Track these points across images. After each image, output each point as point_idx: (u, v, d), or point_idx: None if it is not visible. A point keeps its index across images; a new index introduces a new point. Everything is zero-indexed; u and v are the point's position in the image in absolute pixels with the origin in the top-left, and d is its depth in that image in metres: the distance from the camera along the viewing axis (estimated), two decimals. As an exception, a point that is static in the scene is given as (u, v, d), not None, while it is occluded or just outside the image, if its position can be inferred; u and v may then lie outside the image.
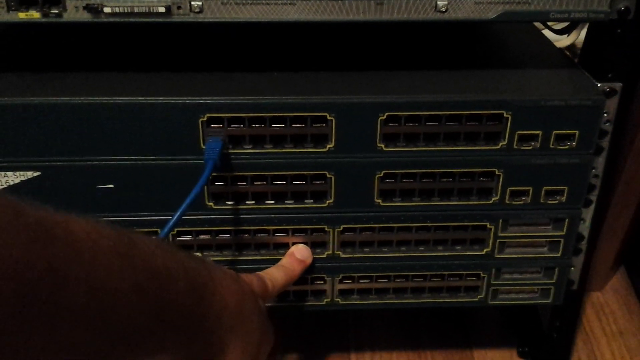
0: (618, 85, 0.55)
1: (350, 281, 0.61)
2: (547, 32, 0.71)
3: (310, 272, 0.60)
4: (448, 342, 0.78)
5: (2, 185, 0.54)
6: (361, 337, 0.78)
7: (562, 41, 0.84)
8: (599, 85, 0.55)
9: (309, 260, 0.59)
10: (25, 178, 0.54)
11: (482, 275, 0.61)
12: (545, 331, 0.70)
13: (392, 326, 0.80)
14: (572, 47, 0.91)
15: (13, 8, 0.50)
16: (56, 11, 0.50)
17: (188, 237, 0.58)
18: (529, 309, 0.76)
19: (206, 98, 0.52)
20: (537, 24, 0.73)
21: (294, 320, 0.80)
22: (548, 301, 0.63)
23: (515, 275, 0.62)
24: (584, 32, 0.61)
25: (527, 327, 0.76)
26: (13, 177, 0.54)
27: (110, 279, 0.33)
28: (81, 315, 0.31)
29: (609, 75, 0.55)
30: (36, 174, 0.54)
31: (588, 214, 0.60)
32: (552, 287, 0.62)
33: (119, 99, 0.52)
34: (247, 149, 0.54)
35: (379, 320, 0.80)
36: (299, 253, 0.58)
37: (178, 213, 0.51)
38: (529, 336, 0.75)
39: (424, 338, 0.78)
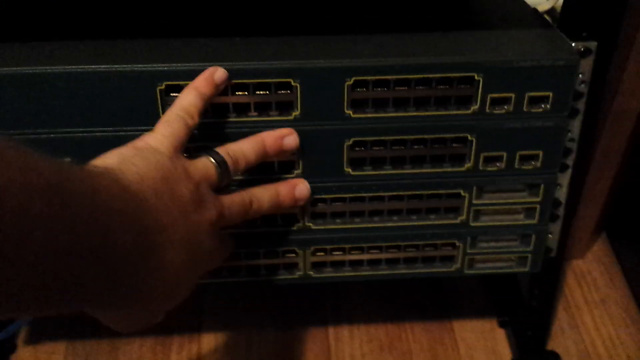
0: (593, 45, 0.54)
1: (322, 253, 0.59)
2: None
3: (281, 245, 0.58)
4: (427, 313, 0.77)
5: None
6: (339, 310, 0.77)
7: (543, 4, 0.82)
8: (573, 44, 0.54)
9: (302, 202, 0.55)
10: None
11: (457, 244, 0.60)
12: (525, 300, 0.69)
13: (370, 299, 0.78)
14: (552, 10, 0.89)
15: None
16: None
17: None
18: (508, 278, 0.75)
19: (163, 65, 0.50)
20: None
21: (269, 294, 0.79)
22: (526, 269, 0.62)
23: (492, 244, 0.60)
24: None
25: (506, 297, 0.75)
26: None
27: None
28: None
29: (584, 34, 0.54)
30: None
31: (565, 178, 0.59)
32: (530, 255, 0.61)
33: (74, 68, 0.50)
34: (209, 117, 0.52)
35: (356, 293, 0.79)
36: (299, 191, 0.54)
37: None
38: (509, 306, 0.74)
39: (403, 310, 0.77)
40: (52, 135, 0.52)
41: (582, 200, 0.76)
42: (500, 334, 0.74)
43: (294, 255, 0.59)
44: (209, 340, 0.74)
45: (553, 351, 0.71)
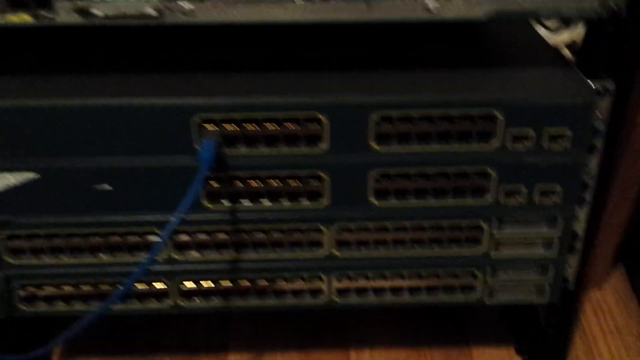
0: (611, 84, 0.56)
1: (347, 280, 0.62)
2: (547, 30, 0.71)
3: (307, 271, 0.61)
4: (447, 339, 0.78)
5: (3, 187, 0.55)
6: (361, 333, 0.79)
7: (562, 36, 0.85)
8: (591, 83, 0.56)
9: None
10: (25, 180, 0.55)
11: (477, 274, 0.62)
12: (542, 328, 0.70)
13: (392, 324, 0.80)
14: (573, 44, 0.91)
15: (2, 10, 0.50)
16: (48, 15, 0.51)
17: (186, 237, 0.59)
18: (526, 307, 0.76)
19: (199, 99, 0.53)
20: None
21: (294, 316, 0.81)
22: (544, 300, 0.63)
23: (511, 275, 0.62)
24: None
25: (524, 325, 0.76)
26: (12, 179, 0.55)
27: None
28: None
29: (602, 73, 0.56)
30: (35, 175, 0.55)
31: (583, 212, 0.60)
32: (548, 286, 0.63)
33: (114, 101, 0.53)
34: (241, 149, 0.55)
35: (378, 318, 0.81)
36: None
37: (179, 213, 0.52)
38: (526, 333, 0.76)
39: (423, 336, 0.79)
40: (94, 164, 0.55)
41: (599, 232, 0.77)
42: (518, 362, 0.76)
43: (319, 281, 0.62)
44: (236, 359, 0.76)
45: (570, 380, 0.73)
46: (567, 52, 0.89)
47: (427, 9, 0.51)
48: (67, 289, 0.61)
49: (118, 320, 0.77)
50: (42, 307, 0.62)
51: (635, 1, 0.53)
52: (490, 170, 0.56)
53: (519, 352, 0.76)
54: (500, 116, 0.54)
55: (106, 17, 0.50)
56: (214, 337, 0.79)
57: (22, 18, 0.51)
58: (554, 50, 0.64)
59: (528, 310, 0.76)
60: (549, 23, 0.82)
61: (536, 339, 0.73)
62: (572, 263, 0.63)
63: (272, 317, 0.81)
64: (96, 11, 0.50)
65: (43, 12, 0.50)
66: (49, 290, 0.61)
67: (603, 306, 0.83)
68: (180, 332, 0.80)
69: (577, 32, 0.90)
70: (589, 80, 0.56)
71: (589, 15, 0.53)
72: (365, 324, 0.80)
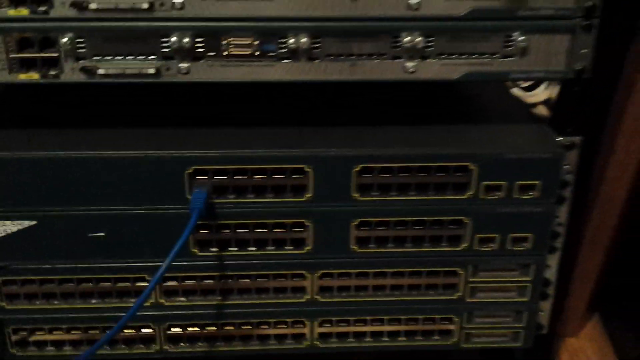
0: (577, 139, 0.60)
1: (329, 325, 0.64)
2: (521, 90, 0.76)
3: (290, 316, 0.63)
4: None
5: (1, 233, 0.57)
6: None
7: (539, 96, 0.90)
8: (559, 139, 0.60)
9: None
10: (22, 227, 0.58)
11: (454, 319, 0.64)
12: (519, 374, 0.73)
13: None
14: (548, 101, 0.96)
15: (14, 70, 0.54)
16: (54, 73, 0.54)
17: (174, 283, 0.61)
18: (504, 353, 0.79)
19: (192, 152, 0.56)
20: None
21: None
22: (518, 344, 0.66)
23: (487, 319, 0.65)
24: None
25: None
26: (11, 226, 0.57)
27: None
28: None
29: (569, 129, 0.60)
30: (33, 222, 0.58)
31: (554, 260, 0.64)
32: (522, 330, 0.65)
33: (110, 153, 0.56)
34: (230, 198, 0.58)
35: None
36: None
37: (168, 260, 0.54)
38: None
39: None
40: (89, 212, 0.57)
41: (573, 281, 0.80)
42: (497, 407, 0.78)
43: (301, 326, 0.64)
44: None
45: None
46: (543, 110, 0.93)
47: (406, 70, 0.55)
48: (58, 333, 0.63)
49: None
50: (33, 351, 0.63)
51: (601, 63, 0.57)
52: (465, 219, 0.60)
53: (497, 397, 0.78)
54: (474, 169, 0.58)
55: (107, 75, 0.54)
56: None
57: (30, 76, 0.54)
58: (526, 108, 0.68)
59: (506, 356, 0.79)
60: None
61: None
62: (546, 309, 0.66)
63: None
64: (100, 70, 0.54)
65: (50, 72, 0.54)
66: (40, 335, 0.63)
67: (580, 354, 0.85)
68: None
69: (555, 90, 0.95)
70: (557, 136, 0.60)
71: (556, 77, 0.58)
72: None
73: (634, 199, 0.77)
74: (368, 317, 0.64)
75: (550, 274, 0.64)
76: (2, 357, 0.63)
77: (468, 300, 0.64)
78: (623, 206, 0.76)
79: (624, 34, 0.59)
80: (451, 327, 0.65)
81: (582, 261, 0.79)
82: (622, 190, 0.75)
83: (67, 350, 0.63)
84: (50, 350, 0.63)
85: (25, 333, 0.62)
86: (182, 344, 0.64)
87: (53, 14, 0.52)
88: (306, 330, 0.64)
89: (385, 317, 0.64)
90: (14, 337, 0.62)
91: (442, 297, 0.63)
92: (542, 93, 0.95)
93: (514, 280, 0.63)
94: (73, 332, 0.63)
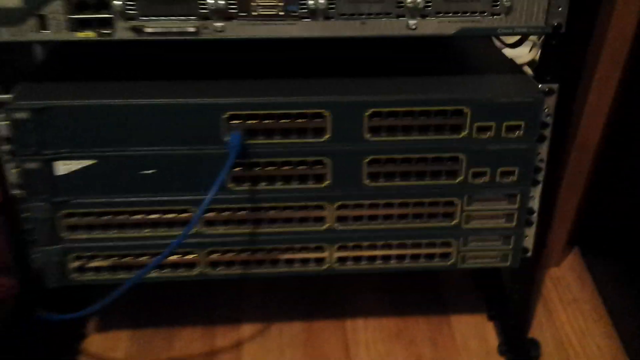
0: (555, 86, 0.70)
1: (345, 250, 0.75)
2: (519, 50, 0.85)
3: (312, 242, 0.73)
4: (429, 309, 0.92)
5: (65, 171, 0.67)
6: (355, 305, 0.92)
7: (524, 57, 0.99)
8: (539, 85, 0.70)
9: None
10: (84, 165, 0.68)
11: (452, 243, 0.75)
12: (508, 294, 0.84)
13: (382, 297, 0.93)
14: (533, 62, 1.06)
15: (73, 29, 0.63)
16: (107, 31, 0.64)
17: (213, 214, 0.71)
18: (495, 280, 0.89)
19: (227, 99, 0.66)
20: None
21: (299, 291, 0.94)
22: (507, 264, 0.77)
23: (480, 243, 0.76)
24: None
25: (494, 294, 0.90)
26: (74, 165, 0.67)
27: None
28: None
29: (548, 77, 0.70)
30: (92, 162, 0.68)
31: (537, 191, 0.74)
32: (510, 252, 0.76)
33: (158, 101, 0.66)
34: (260, 140, 0.68)
35: (370, 292, 0.94)
36: None
37: (211, 192, 0.65)
38: (496, 302, 0.89)
39: (409, 306, 0.92)
40: (141, 152, 0.67)
41: (555, 216, 0.91)
42: (490, 326, 0.89)
43: (322, 251, 0.74)
44: (248, 328, 0.89)
45: (533, 338, 0.86)
46: (528, 71, 1.03)
47: (409, 27, 0.65)
48: (113, 260, 0.73)
49: (146, 295, 0.90)
50: (90, 276, 0.74)
51: (574, 19, 0.67)
52: (460, 156, 0.70)
53: (490, 318, 0.89)
54: (468, 112, 0.68)
55: (154, 33, 0.63)
56: (228, 311, 0.92)
57: (87, 35, 0.63)
58: (512, 62, 0.78)
59: (497, 283, 0.90)
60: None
61: (503, 304, 0.86)
62: (530, 234, 0.76)
63: (279, 292, 0.93)
64: (148, 29, 0.63)
65: (104, 30, 0.63)
66: (97, 261, 0.73)
67: (561, 281, 0.97)
68: (199, 307, 0.92)
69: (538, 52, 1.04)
70: (538, 83, 0.70)
71: (536, 32, 0.67)
72: (359, 298, 0.93)
73: (607, 144, 0.87)
74: (379, 243, 0.74)
75: (534, 203, 0.75)
76: (63, 282, 0.73)
77: (464, 226, 0.74)
78: (597, 149, 0.87)
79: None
80: (449, 250, 0.75)
81: (562, 203, 0.90)
82: (595, 138, 0.86)
83: (121, 274, 0.73)
84: (105, 274, 0.74)
85: (84, 260, 0.73)
86: (220, 268, 0.74)
87: (108, -20, 0.61)
88: (326, 255, 0.74)
89: (393, 242, 0.74)
90: (74, 264, 0.73)
91: (441, 224, 0.74)
92: (527, 55, 1.05)
93: (502, 209, 0.74)
94: (126, 258, 0.73)
